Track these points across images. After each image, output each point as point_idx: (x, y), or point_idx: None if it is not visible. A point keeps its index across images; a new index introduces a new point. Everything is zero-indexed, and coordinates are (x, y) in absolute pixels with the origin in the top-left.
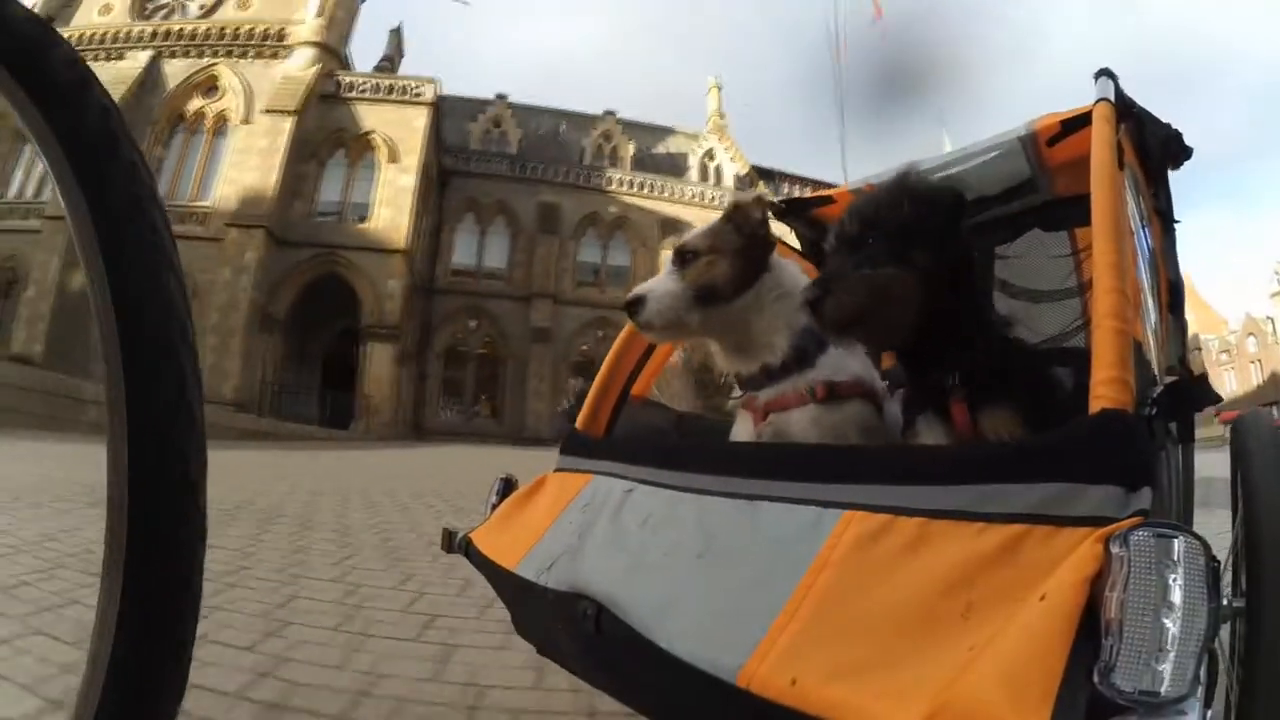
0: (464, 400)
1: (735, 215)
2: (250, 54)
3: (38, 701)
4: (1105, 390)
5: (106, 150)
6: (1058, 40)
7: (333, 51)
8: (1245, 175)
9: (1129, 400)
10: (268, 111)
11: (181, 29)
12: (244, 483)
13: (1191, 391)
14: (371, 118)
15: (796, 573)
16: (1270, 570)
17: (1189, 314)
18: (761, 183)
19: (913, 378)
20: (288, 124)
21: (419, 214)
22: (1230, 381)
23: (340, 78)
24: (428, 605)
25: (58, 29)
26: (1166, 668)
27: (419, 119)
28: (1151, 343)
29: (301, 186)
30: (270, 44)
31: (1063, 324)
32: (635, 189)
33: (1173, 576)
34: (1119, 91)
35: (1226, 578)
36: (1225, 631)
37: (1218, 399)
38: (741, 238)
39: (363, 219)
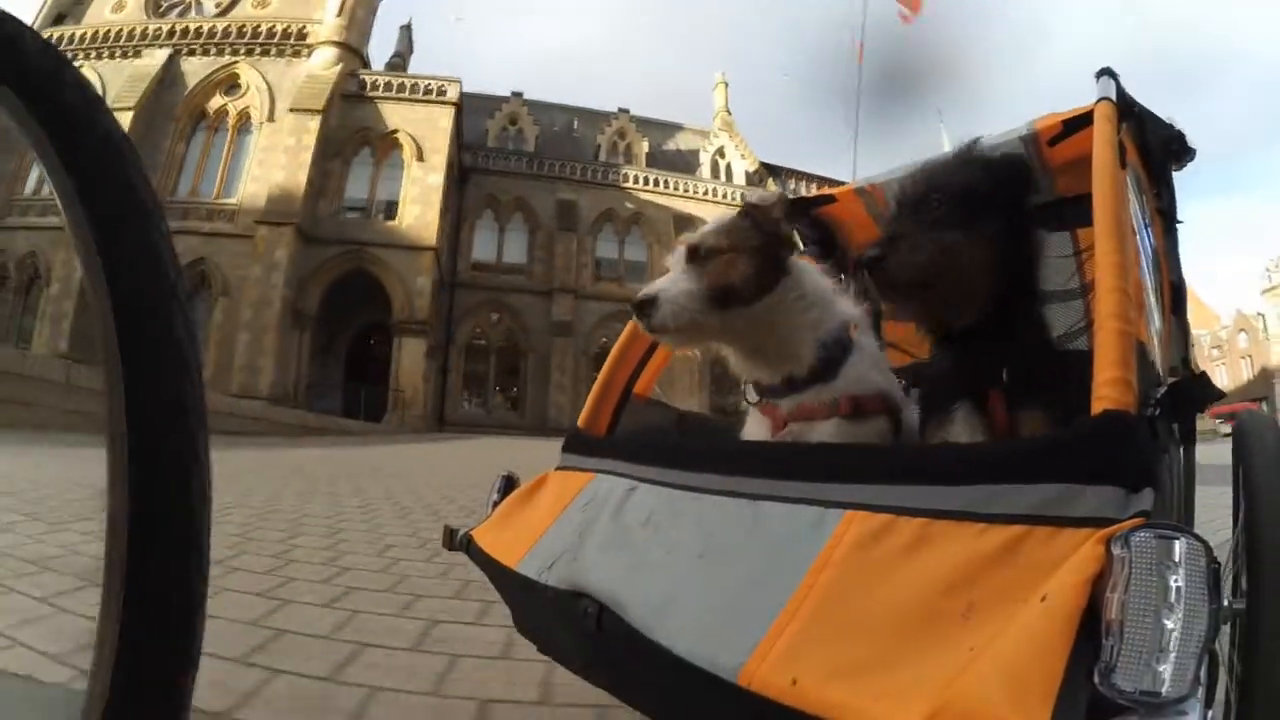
0: (485, 393)
1: (754, 213)
2: (272, 52)
3: None
4: (1108, 391)
5: (98, 146)
6: (1056, 40)
7: (354, 50)
8: (1238, 170)
9: (1131, 401)
10: (294, 110)
11: (199, 27)
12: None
13: (1193, 392)
14: (396, 116)
15: (798, 572)
16: (1270, 571)
17: None
18: (770, 179)
19: (957, 363)
20: (314, 123)
21: (445, 212)
22: (1221, 376)
23: (363, 77)
24: None
25: (69, 26)
26: (1167, 668)
27: (444, 118)
28: (1154, 343)
29: (327, 184)
30: (291, 43)
31: (1066, 325)
32: (650, 185)
33: (1174, 577)
34: (1120, 91)
35: (1227, 579)
36: (1226, 632)
37: (1220, 396)
38: (761, 236)
39: (390, 216)
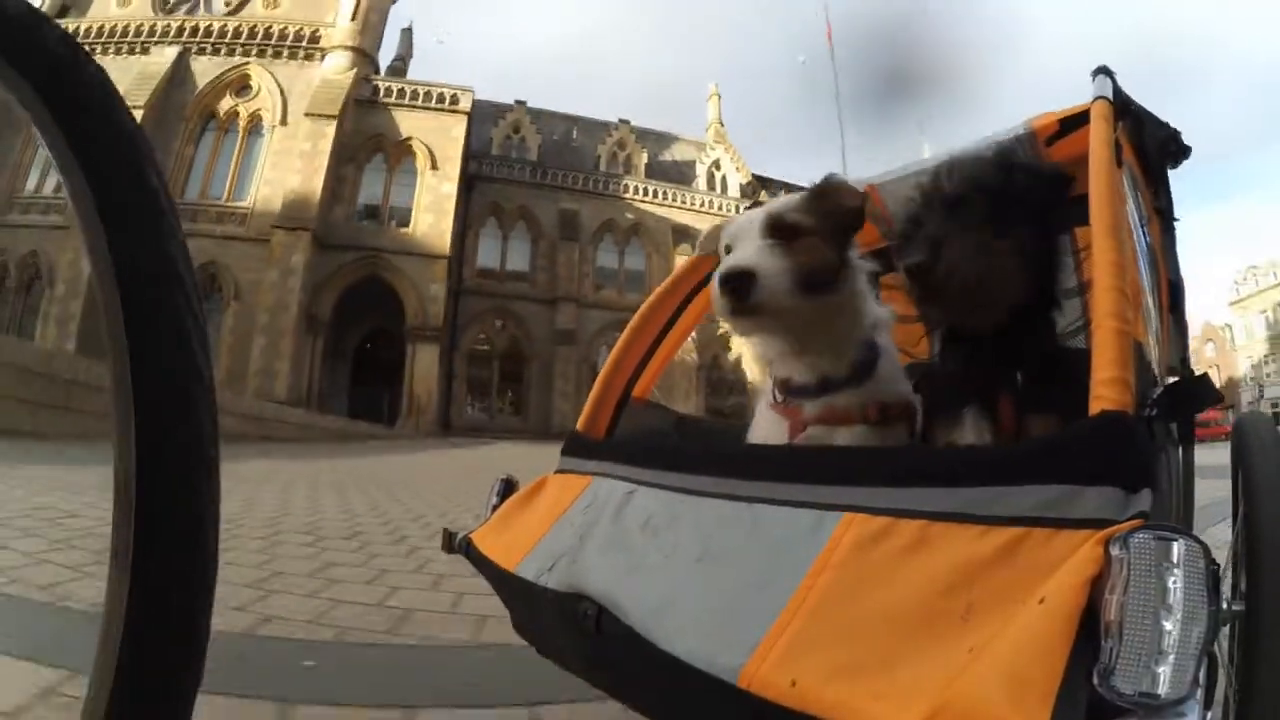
0: (489, 399)
1: (829, 196)
2: (284, 55)
3: None
4: (1105, 391)
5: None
6: (1048, 41)
7: (367, 56)
8: (1212, 177)
9: (1129, 401)
10: (309, 115)
11: (209, 26)
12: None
13: (1192, 392)
14: (409, 124)
15: (797, 574)
16: (1270, 573)
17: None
18: (764, 191)
19: (967, 366)
20: (330, 129)
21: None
22: None
23: (377, 83)
24: None
25: (75, 19)
26: (1166, 670)
27: (457, 127)
28: (1152, 343)
29: (341, 190)
30: (304, 46)
31: (1063, 324)
32: (648, 196)
33: (1172, 579)
34: (1117, 89)
35: (1226, 580)
36: (1225, 633)
37: (1220, 399)
38: (835, 222)
39: (403, 223)
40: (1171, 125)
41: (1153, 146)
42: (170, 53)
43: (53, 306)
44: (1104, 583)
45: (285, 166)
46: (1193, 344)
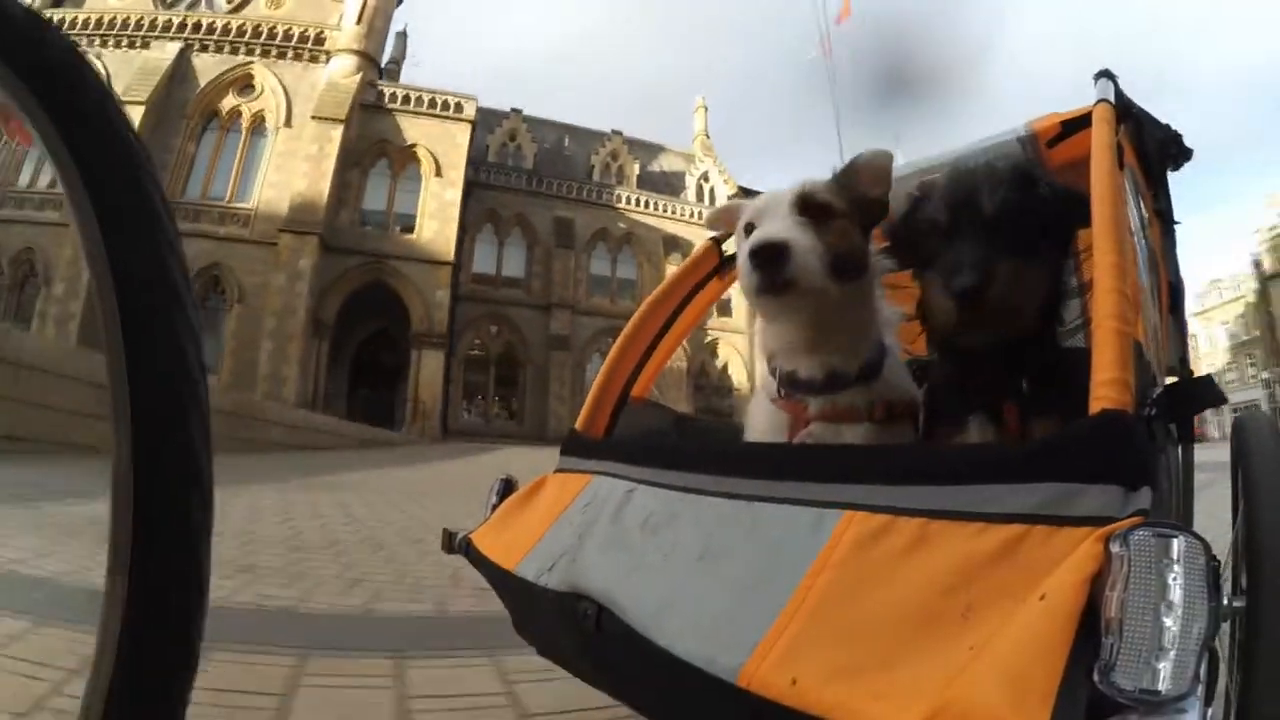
0: (485, 403)
1: (858, 179)
2: (288, 56)
3: None
4: (1105, 390)
5: (113, 150)
6: (1018, 46)
7: (372, 60)
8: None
9: (1129, 401)
10: (316, 119)
11: (212, 23)
12: None
13: (1192, 392)
14: (414, 130)
15: (797, 573)
16: (1270, 569)
17: None
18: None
19: (971, 374)
20: (336, 133)
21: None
22: None
23: (382, 88)
24: None
25: (71, 9)
26: (1167, 666)
27: (461, 135)
28: (1152, 343)
29: (345, 194)
30: (308, 47)
31: (1063, 324)
32: (640, 206)
33: (1172, 575)
34: (1119, 93)
35: (1227, 577)
36: (1226, 630)
37: (1223, 400)
38: (862, 205)
39: (407, 229)
40: (1172, 128)
41: (1154, 149)
42: (172, 48)
43: (50, 306)
44: (1104, 580)
45: (290, 169)
46: None
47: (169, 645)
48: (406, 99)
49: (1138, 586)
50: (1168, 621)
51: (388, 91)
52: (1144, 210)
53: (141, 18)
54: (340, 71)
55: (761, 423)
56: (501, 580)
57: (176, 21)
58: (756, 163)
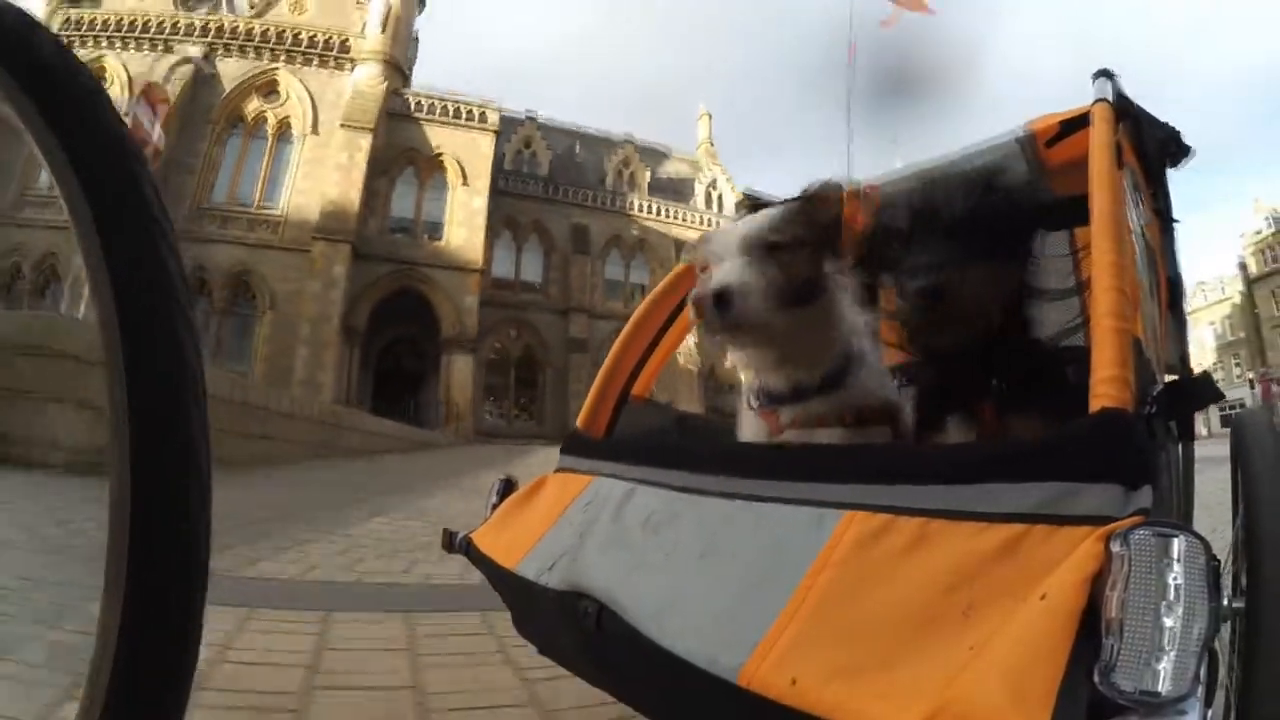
0: (506, 404)
1: (814, 205)
2: (314, 62)
3: None
4: (1105, 389)
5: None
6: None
7: (397, 68)
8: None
9: (1129, 399)
10: (345, 126)
11: (235, 27)
12: None
13: (1192, 390)
14: (440, 138)
15: (797, 572)
16: (1270, 569)
17: None
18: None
19: (946, 378)
20: (365, 141)
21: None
22: None
23: (407, 96)
24: None
25: (89, 9)
26: (1167, 667)
27: (486, 144)
28: (1151, 341)
29: (374, 202)
30: (334, 54)
31: (1062, 322)
32: (651, 213)
33: (1173, 575)
34: (1118, 91)
35: (1227, 577)
36: (1226, 630)
37: (1219, 397)
38: (816, 230)
39: (436, 237)
40: (1171, 126)
41: (1153, 147)
42: (195, 52)
43: (75, 313)
44: (1105, 579)
45: (319, 176)
46: None
47: (168, 646)
48: (432, 107)
49: (1138, 586)
50: (1168, 622)
51: (413, 100)
52: (1143, 208)
53: (163, 20)
54: (366, 79)
55: (746, 431)
56: (502, 579)
57: (199, 24)
58: (757, 161)
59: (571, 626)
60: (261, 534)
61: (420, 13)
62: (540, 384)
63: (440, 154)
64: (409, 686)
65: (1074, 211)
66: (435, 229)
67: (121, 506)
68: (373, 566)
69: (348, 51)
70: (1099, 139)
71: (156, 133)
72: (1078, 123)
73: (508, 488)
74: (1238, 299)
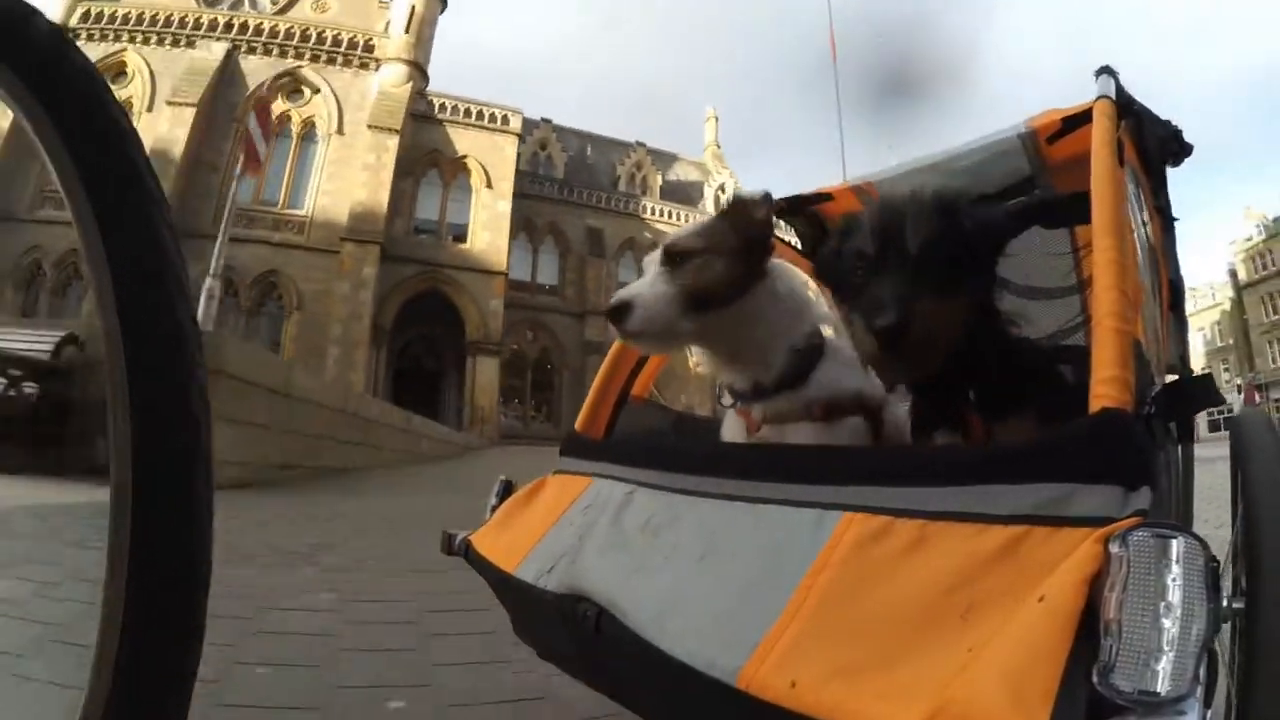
0: (523, 406)
1: (735, 212)
2: (338, 62)
3: None
4: (1105, 389)
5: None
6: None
7: (421, 70)
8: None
9: (1129, 399)
10: (371, 128)
11: (259, 25)
12: None
13: (1192, 391)
14: (464, 141)
15: (797, 574)
16: (1270, 570)
17: None
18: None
19: (926, 397)
20: (392, 142)
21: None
22: None
23: (432, 99)
24: None
25: (107, 3)
26: (1166, 668)
27: (509, 147)
28: (1152, 341)
29: (399, 203)
30: (358, 54)
31: (1062, 321)
32: (663, 216)
33: (1172, 576)
34: (1120, 89)
35: (1226, 578)
36: (1226, 631)
37: (1220, 399)
38: (739, 238)
39: (460, 239)
40: (1173, 124)
41: (1154, 145)
42: (218, 48)
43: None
44: (1104, 581)
45: (345, 177)
46: None
47: (170, 646)
48: (455, 110)
49: (1137, 587)
50: (1167, 623)
51: (436, 102)
52: (1144, 207)
53: (185, 15)
54: (391, 80)
55: (727, 429)
56: (501, 582)
57: (222, 21)
58: (757, 161)
59: (571, 629)
60: None
61: (441, 13)
62: (556, 386)
63: (465, 157)
64: None
65: (1075, 209)
66: (459, 231)
67: (122, 505)
68: None
69: (371, 51)
70: (1101, 136)
71: (263, 149)
72: (1079, 119)
73: (507, 489)
74: (1227, 305)
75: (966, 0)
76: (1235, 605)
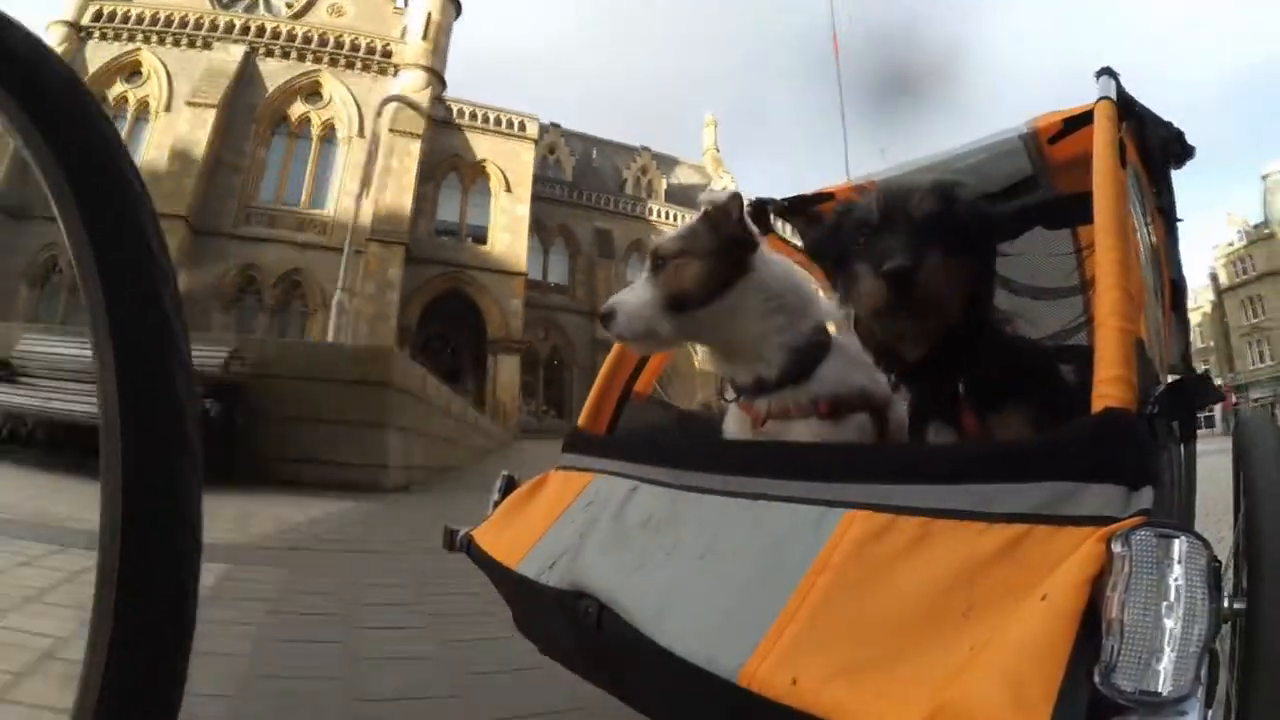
0: (535, 403)
1: (711, 215)
2: (356, 66)
3: None
4: (1108, 389)
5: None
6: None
7: (439, 76)
8: None
9: (1132, 399)
10: (393, 132)
11: (276, 28)
12: None
13: (1194, 390)
14: (483, 146)
15: (798, 572)
16: (1271, 570)
17: None
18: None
19: (920, 389)
20: (414, 146)
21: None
22: None
23: (450, 104)
24: None
25: (121, 3)
26: (1167, 668)
27: (526, 152)
28: (1154, 341)
29: (421, 206)
30: (376, 59)
31: (1064, 321)
32: (668, 219)
33: (1174, 576)
34: (1121, 90)
35: (1228, 578)
36: (1227, 631)
37: (1220, 398)
38: (717, 239)
39: (479, 241)
40: (1174, 125)
41: (1156, 146)
42: (236, 50)
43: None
44: (1106, 580)
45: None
46: None
47: (161, 648)
48: (474, 115)
49: (1139, 587)
50: (1168, 622)
51: (455, 108)
52: (1147, 207)
53: (200, 16)
54: (410, 86)
55: (731, 424)
56: (503, 578)
57: (239, 24)
58: (757, 161)
59: (572, 626)
60: None
61: (456, 19)
62: (568, 382)
63: (484, 161)
64: None
65: (1076, 209)
66: (479, 233)
67: (113, 506)
68: None
69: (389, 57)
70: (1102, 137)
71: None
72: (1081, 120)
73: (509, 485)
74: (1208, 308)
75: (966, 0)
76: (1236, 606)
